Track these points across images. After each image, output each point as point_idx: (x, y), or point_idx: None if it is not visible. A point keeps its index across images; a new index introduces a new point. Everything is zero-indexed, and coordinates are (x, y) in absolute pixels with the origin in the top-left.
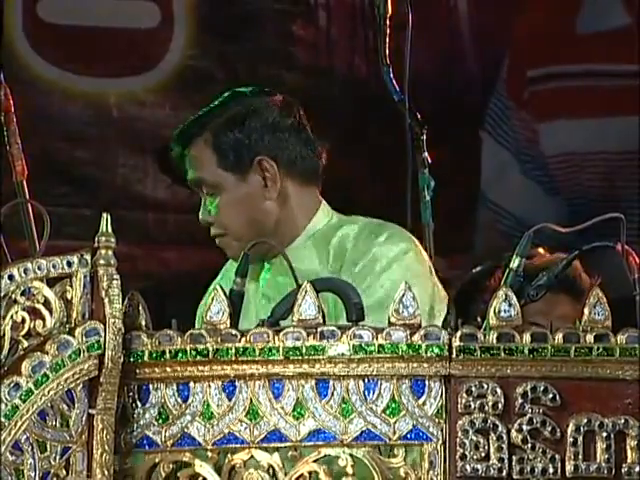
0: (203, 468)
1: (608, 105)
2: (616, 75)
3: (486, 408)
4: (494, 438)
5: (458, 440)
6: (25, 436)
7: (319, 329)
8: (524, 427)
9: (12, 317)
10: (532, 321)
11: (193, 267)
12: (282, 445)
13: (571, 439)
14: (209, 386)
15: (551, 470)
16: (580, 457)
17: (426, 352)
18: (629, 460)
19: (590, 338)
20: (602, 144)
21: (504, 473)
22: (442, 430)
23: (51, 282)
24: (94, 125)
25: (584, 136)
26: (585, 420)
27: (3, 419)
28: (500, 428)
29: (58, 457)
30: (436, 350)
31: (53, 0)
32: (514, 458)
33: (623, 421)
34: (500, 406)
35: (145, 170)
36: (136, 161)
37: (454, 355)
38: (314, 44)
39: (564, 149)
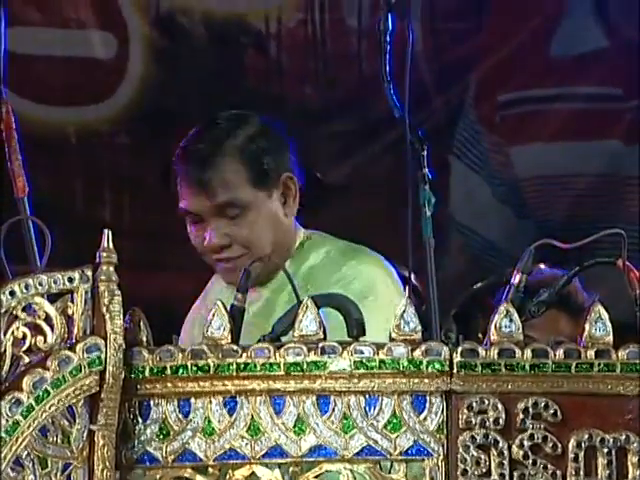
0: None
1: (582, 128)
2: (590, 99)
3: (487, 424)
4: (495, 454)
5: (459, 456)
6: (26, 452)
7: (320, 345)
8: (525, 443)
9: (13, 333)
10: (526, 334)
11: (150, 291)
12: (283, 461)
13: (572, 455)
14: (210, 402)
15: None
16: (581, 473)
17: (427, 368)
18: (630, 476)
19: (591, 354)
20: (576, 167)
21: None
22: (443, 446)
23: (52, 298)
24: (53, 153)
25: (557, 159)
26: (586, 436)
27: (4, 435)
28: (501, 444)
29: (59, 473)
30: (437, 366)
31: (13, 29)
32: (515, 474)
33: (624, 437)
34: (501, 422)
35: (103, 197)
36: (94, 189)
37: (455, 371)
38: (265, 73)
39: (537, 172)
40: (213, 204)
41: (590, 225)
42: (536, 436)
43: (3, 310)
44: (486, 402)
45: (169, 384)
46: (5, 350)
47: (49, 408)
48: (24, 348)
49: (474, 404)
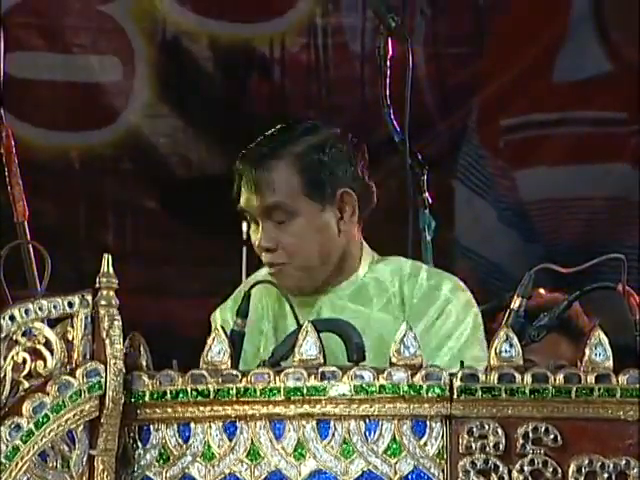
0: None
1: (586, 152)
2: (594, 123)
3: (487, 449)
4: (495, 479)
5: None
6: (26, 477)
7: (320, 369)
8: (525, 468)
9: (13, 358)
10: (527, 358)
11: (150, 316)
12: None
13: None
14: (210, 426)
15: None
16: None
17: (427, 392)
18: None
19: (591, 379)
20: (582, 191)
21: None
22: (443, 471)
23: (52, 323)
24: (56, 178)
25: (562, 183)
26: (586, 461)
27: (4, 460)
28: (501, 469)
29: None
30: (437, 390)
31: (18, 54)
32: None
33: (624, 462)
34: (501, 447)
35: (106, 222)
36: (97, 213)
37: (455, 395)
38: (269, 97)
39: (542, 196)
40: (261, 205)
41: (597, 249)
42: (536, 461)
43: (3, 335)
44: (486, 427)
45: (169, 409)
46: (5, 375)
47: (49, 433)
48: (24, 373)
49: (474, 429)
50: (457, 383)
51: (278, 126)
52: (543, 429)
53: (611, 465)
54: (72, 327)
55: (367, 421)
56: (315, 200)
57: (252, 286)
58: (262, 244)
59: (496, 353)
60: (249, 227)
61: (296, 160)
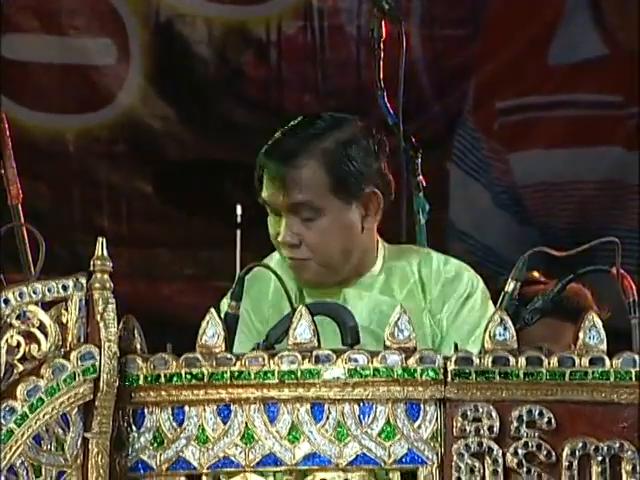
0: None
1: (581, 135)
2: (590, 105)
3: (481, 432)
4: (489, 462)
5: (453, 464)
6: (20, 460)
7: (314, 353)
8: (519, 451)
9: (7, 341)
10: (541, 345)
11: (146, 299)
12: (277, 469)
13: (566, 463)
14: (204, 410)
15: None
16: None
17: (421, 376)
18: None
19: (585, 362)
20: (577, 174)
21: None
22: (437, 454)
23: (46, 306)
24: (51, 160)
25: (557, 166)
26: (580, 444)
27: None
28: (495, 452)
29: None
30: (431, 374)
31: (14, 36)
32: None
33: (618, 445)
34: (495, 430)
35: (101, 205)
36: (92, 196)
37: (449, 379)
38: (265, 81)
39: (537, 179)
40: (288, 202)
41: (593, 232)
42: (530, 444)
43: None
44: (480, 410)
45: (163, 392)
46: None
47: (43, 416)
48: (18, 356)
49: (468, 412)
50: (451, 366)
51: (299, 118)
52: (537, 412)
53: (605, 448)
54: (66, 310)
55: (361, 404)
56: (342, 198)
57: (247, 271)
58: (286, 240)
59: (490, 336)
60: (270, 218)
61: (324, 157)
